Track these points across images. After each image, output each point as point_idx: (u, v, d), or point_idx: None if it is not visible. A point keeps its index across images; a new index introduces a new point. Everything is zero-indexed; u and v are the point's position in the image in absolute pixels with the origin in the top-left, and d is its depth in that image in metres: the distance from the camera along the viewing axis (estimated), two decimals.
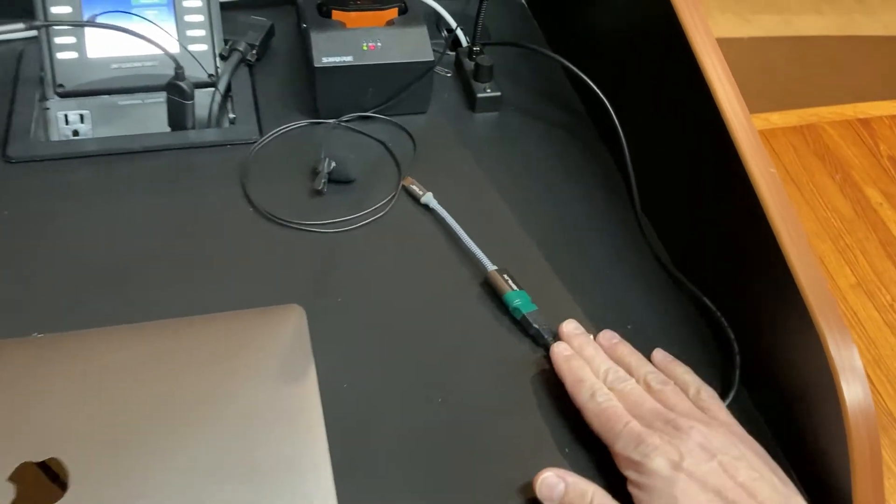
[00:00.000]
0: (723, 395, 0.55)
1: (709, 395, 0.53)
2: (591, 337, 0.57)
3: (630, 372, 0.54)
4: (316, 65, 0.68)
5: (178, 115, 0.68)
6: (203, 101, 0.71)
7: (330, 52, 0.69)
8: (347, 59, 0.69)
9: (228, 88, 0.73)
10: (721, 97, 0.57)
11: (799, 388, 0.53)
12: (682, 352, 0.58)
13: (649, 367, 0.55)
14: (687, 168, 0.64)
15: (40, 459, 0.45)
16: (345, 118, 0.72)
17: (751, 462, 0.48)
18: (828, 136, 2.05)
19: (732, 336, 0.57)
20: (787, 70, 2.19)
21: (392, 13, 0.72)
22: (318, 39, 0.69)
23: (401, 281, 0.61)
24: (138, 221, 0.63)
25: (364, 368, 0.55)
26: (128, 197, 0.64)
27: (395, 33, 0.70)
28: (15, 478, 0.44)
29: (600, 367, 0.54)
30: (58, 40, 0.70)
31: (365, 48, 0.69)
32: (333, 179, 0.66)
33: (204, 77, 0.72)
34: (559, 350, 0.55)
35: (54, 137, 0.72)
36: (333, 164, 0.66)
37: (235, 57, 0.74)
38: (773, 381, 0.55)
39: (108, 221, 0.62)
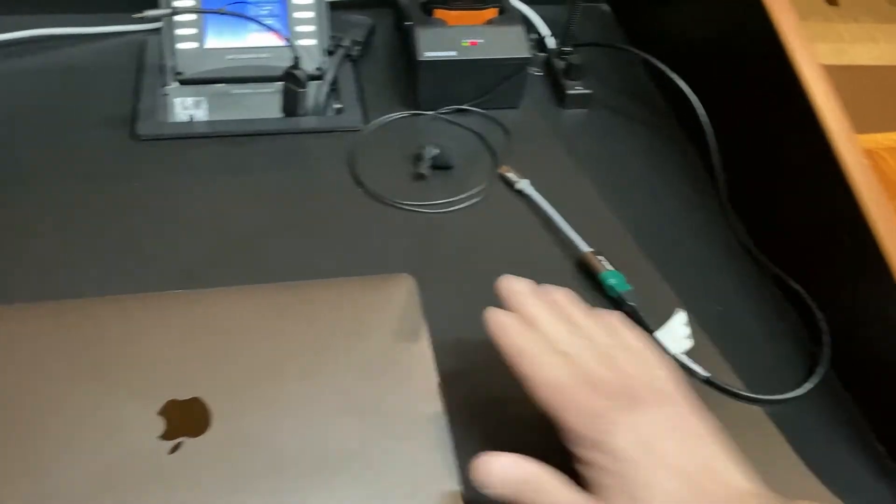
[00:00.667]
0: (810, 374, 0.58)
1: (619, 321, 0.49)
2: (532, 290, 0.51)
3: (577, 328, 0.48)
4: (420, 59, 0.73)
5: (292, 103, 0.73)
6: (310, 93, 0.76)
7: (433, 48, 0.73)
8: (450, 55, 0.73)
9: (334, 81, 0.78)
10: (813, 88, 0.60)
11: (888, 367, 0.56)
12: (770, 332, 0.61)
13: (596, 322, 0.49)
14: (772, 159, 0.67)
15: (185, 398, 0.49)
16: (442, 110, 0.76)
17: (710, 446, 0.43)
18: (885, 163, 2.05)
19: (820, 316, 0.60)
20: (842, 98, 2.20)
21: (491, 13, 0.76)
22: (422, 35, 0.74)
23: (500, 258, 0.64)
24: (255, 197, 0.67)
25: (470, 334, 0.59)
26: (245, 175, 0.69)
27: (495, 31, 0.75)
28: (163, 413, 0.48)
29: (547, 329, 0.48)
30: (179, 31, 0.75)
31: (466, 44, 0.74)
32: (435, 165, 0.70)
33: (311, 70, 0.77)
34: (493, 318, 0.49)
35: (171, 122, 0.77)
36: (436, 150, 0.70)
37: (341, 52, 0.79)
38: (861, 361, 0.58)
39: (226, 196, 0.67)
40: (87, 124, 0.71)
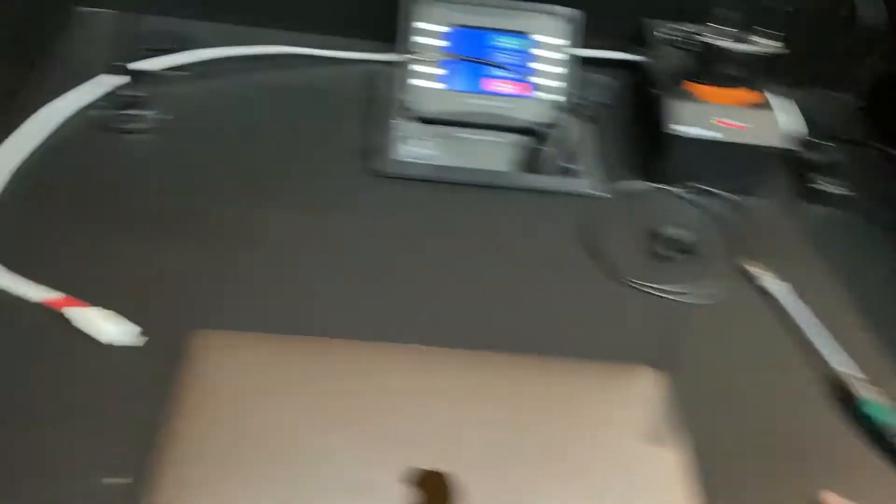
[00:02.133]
0: None
1: None
2: None
3: None
4: (667, 131, 0.69)
5: (532, 159, 0.70)
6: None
7: (683, 121, 0.70)
8: (701, 132, 0.69)
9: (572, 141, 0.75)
10: None
11: None
12: None
13: None
14: None
15: (428, 468, 0.47)
16: (687, 187, 0.72)
17: None
18: None
19: None
20: None
21: (742, 93, 0.72)
22: (672, 107, 0.70)
23: (740, 362, 0.60)
24: (484, 252, 0.65)
25: (711, 443, 0.54)
26: (476, 227, 0.67)
27: (750, 115, 0.70)
28: (406, 480, 0.46)
29: None
30: (417, 69, 0.74)
31: (714, 122, 0.70)
32: (674, 247, 0.66)
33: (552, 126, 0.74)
34: None
35: (399, 158, 0.76)
36: (677, 231, 0.66)
37: (583, 112, 0.76)
38: None
39: (455, 248, 0.65)
40: (319, 149, 0.71)
